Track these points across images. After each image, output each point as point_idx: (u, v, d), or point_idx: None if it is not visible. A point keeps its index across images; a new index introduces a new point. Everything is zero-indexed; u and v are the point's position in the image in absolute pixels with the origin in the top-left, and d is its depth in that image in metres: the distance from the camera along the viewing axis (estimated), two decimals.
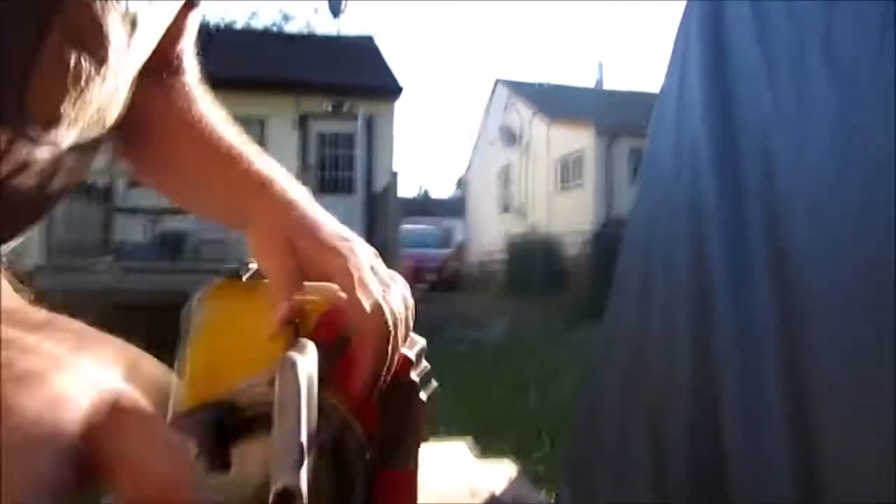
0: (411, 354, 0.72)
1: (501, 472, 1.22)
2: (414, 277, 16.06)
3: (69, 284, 8.70)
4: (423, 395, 0.72)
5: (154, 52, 0.65)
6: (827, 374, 1.55)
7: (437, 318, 11.69)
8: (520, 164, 23.28)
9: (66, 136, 0.54)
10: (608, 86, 27.33)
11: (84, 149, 0.58)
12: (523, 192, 23.06)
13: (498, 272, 21.96)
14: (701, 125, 2.14)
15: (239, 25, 23.39)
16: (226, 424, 0.59)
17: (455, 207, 35.89)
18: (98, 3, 0.50)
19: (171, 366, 0.69)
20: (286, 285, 0.60)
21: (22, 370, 0.30)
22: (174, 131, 0.73)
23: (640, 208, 2.62)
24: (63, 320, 0.40)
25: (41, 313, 0.40)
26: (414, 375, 0.72)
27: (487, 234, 25.11)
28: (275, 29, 24.52)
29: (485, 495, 1.06)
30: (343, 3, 17.74)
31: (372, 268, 0.63)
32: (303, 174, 11.04)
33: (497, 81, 25.96)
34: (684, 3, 2.33)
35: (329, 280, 0.61)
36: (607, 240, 13.55)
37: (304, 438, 0.53)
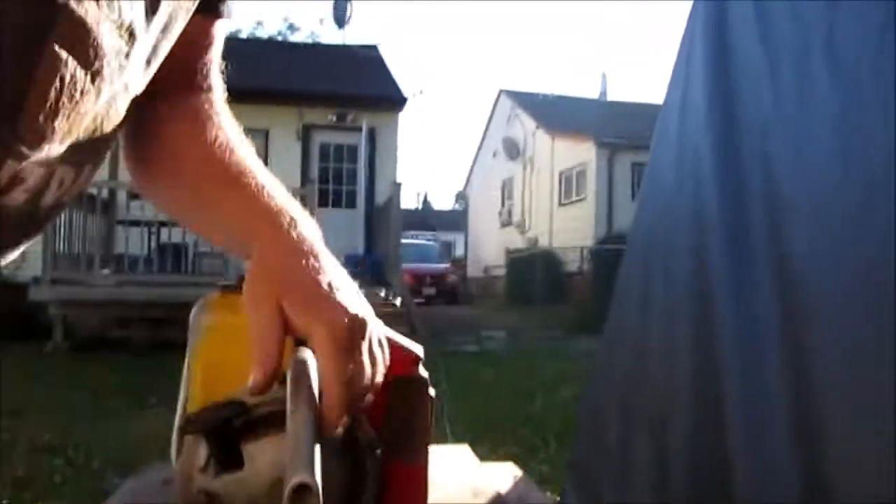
0: (420, 352, 0.73)
1: (505, 474, 1.22)
2: (413, 290, 16.05)
3: (69, 296, 8.71)
4: (431, 392, 0.73)
5: (174, 65, 0.64)
6: (829, 377, 1.55)
7: (439, 328, 11.68)
8: (522, 178, 23.30)
9: (60, 148, 0.53)
10: (612, 97, 27.40)
11: (81, 161, 0.58)
12: (525, 206, 23.08)
13: (498, 285, 21.96)
14: (704, 130, 2.14)
15: (244, 35, 23.50)
16: (235, 423, 0.60)
17: (455, 220, 35.94)
18: (90, 14, 0.50)
19: (172, 371, 0.70)
20: (266, 345, 0.59)
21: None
22: (186, 154, 0.72)
23: (642, 217, 2.63)
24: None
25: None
26: (423, 372, 0.73)
27: (488, 248, 25.12)
28: (279, 38, 24.63)
29: (488, 496, 1.06)
30: (348, 13, 17.82)
31: (359, 327, 0.62)
32: (305, 186, 11.06)
33: (500, 92, 26.03)
34: (689, 8, 2.33)
35: (308, 342, 0.60)
36: (608, 255, 13.56)
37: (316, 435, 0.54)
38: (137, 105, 0.62)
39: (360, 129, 13.51)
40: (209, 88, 0.75)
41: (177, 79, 0.69)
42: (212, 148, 0.71)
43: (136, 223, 9.54)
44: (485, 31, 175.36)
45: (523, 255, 20.48)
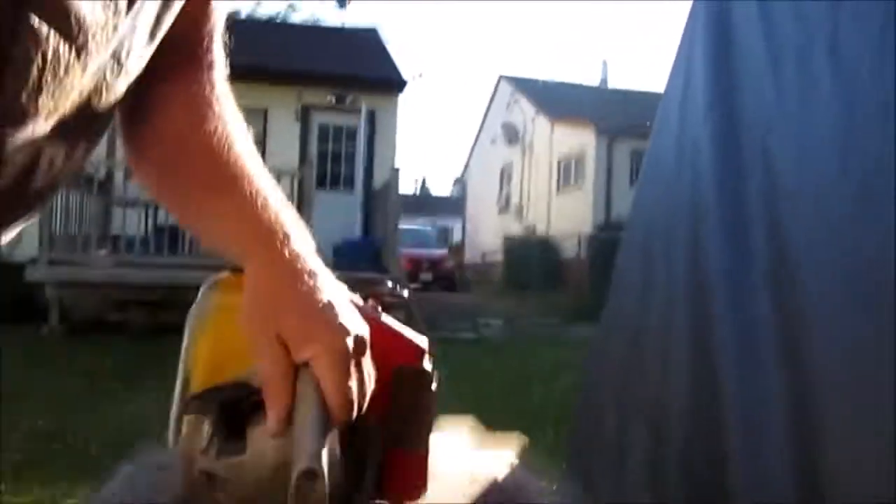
0: (424, 344, 0.73)
1: (503, 459, 1.21)
2: (410, 276, 16.07)
3: (66, 276, 8.70)
4: (433, 385, 0.73)
5: (173, 41, 0.62)
6: (827, 373, 1.55)
7: (436, 315, 11.70)
8: (521, 163, 23.29)
9: (46, 126, 0.51)
10: (612, 85, 27.34)
11: (73, 139, 0.56)
12: (523, 192, 23.08)
13: (495, 271, 22.00)
14: (704, 123, 2.14)
15: (243, 15, 23.41)
16: (240, 406, 0.60)
17: (453, 206, 35.96)
18: None
19: (170, 355, 0.70)
20: (276, 386, 0.59)
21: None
22: (181, 149, 0.70)
23: (640, 205, 2.63)
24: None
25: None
26: (426, 364, 0.73)
27: (485, 234, 25.15)
28: (279, 19, 24.53)
29: (485, 481, 1.05)
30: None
31: (355, 341, 0.62)
32: (303, 167, 11.04)
33: (500, 78, 25.97)
34: (691, 2, 2.33)
35: (309, 365, 0.60)
36: (606, 242, 13.58)
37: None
38: (135, 81, 0.60)
39: (359, 111, 13.46)
40: (210, 65, 0.74)
41: (176, 55, 0.67)
42: (208, 143, 0.69)
43: (133, 203, 9.52)
44: (485, 16, 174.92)
45: (521, 241, 20.50)
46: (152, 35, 0.59)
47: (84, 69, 0.51)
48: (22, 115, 0.49)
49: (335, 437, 0.58)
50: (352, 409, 0.60)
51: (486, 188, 26.11)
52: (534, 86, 24.03)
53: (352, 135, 13.87)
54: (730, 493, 1.71)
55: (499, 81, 26.04)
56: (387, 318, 0.73)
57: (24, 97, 0.48)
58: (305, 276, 0.64)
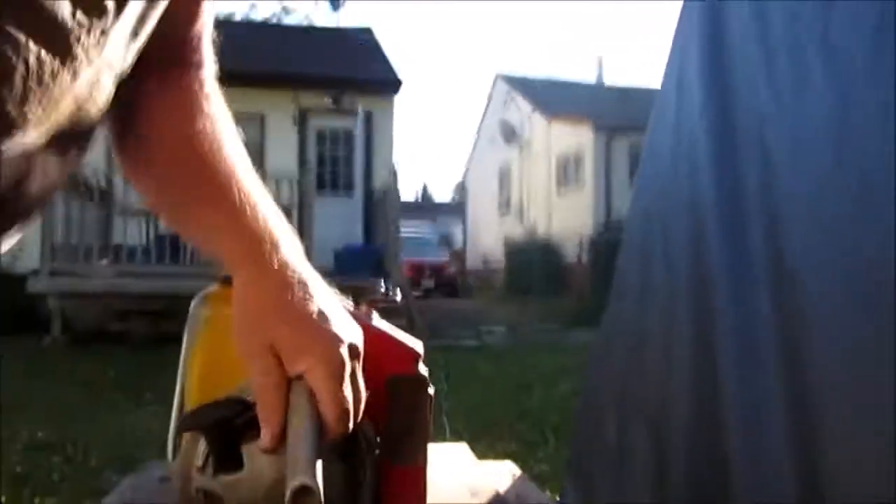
0: (419, 348, 0.72)
1: (503, 472, 1.21)
2: (412, 283, 16.06)
3: (67, 287, 8.70)
4: (430, 390, 0.72)
5: (161, 40, 0.61)
6: (827, 373, 1.55)
7: (438, 322, 11.69)
8: (519, 163, 23.29)
9: (35, 136, 0.50)
10: (608, 82, 27.33)
11: (67, 145, 0.55)
12: (523, 192, 23.07)
13: (497, 277, 21.99)
14: (699, 120, 2.14)
15: (238, 17, 23.47)
16: (235, 422, 0.59)
17: (454, 211, 35.98)
18: None
19: (171, 365, 0.69)
20: (270, 403, 0.58)
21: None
22: (169, 153, 0.69)
23: (638, 205, 2.63)
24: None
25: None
26: (422, 370, 0.72)
27: (487, 238, 25.15)
28: (274, 21, 24.56)
29: (487, 495, 1.04)
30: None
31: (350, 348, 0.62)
32: (302, 171, 11.04)
33: (497, 76, 25.99)
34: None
35: (303, 376, 0.60)
36: (607, 241, 13.57)
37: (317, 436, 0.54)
38: (123, 84, 0.59)
39: (356, 113, 13.46)
40: (199, 64, 0.73)
41: (164, 54, 0.65)
42: (195, 149, 0.68)
43: (134, 213, 9.51)
44: (479, 15, 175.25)
45: (522, 246, 20.50)
46: (135, 33, 0.57)
47: (74, 76, 0.50)
48: (10, 126, 0.48)
49: (330, 451, 0.57)
50: (348, 419, 0.60)
51: (486, 190, 26.13)
52: (530, 84, 24.03)
53: (350, 137, 13.88)
54: (730, 493, 1.71)
55: (495, 80, 26.06)
56: (379, 323, 0.72)
57: (10, 107, 0.47)
58: (295, 286, 0.63)
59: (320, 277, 0.67)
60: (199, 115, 0.70)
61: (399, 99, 14.90)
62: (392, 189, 10.73)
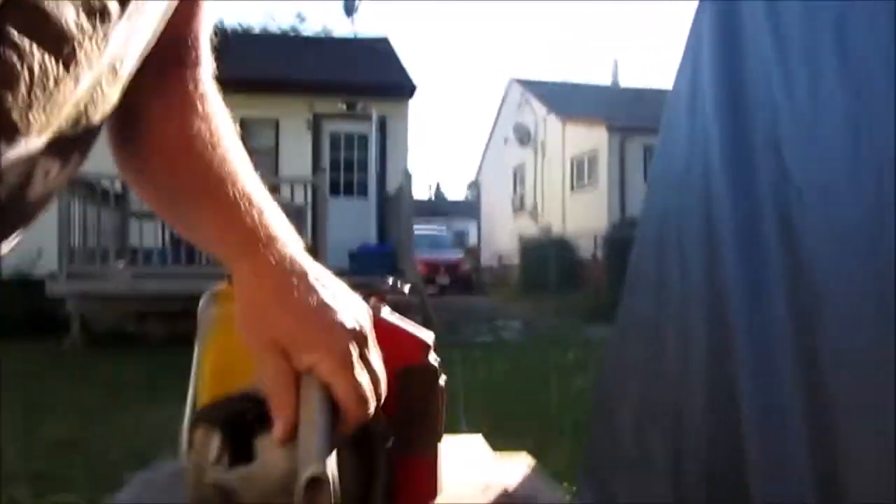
0: (430, 339, 0.72)
1: (517, 467, 1.20)
2: (427, 280, 16.06)
3: (85, 290, 8.76)
4: (441, 381, 0.72)
5: (157, 39, 0.61)
6: (843, 373, 1.54)
7: (453, 319, 11.68)
8: (533, 164, 23.24)
9: (38, 142, 0.50)
10: (624, 84, 27.20)
11: (69, 150, 0.55)
12: (537, 192, 23.02)
13: (511, 274, 21.93)
14: (713, 121, 2.13)
15: (256, 29, 23.65)
16: (248, 416, 0.60)
17: (468, 209, 35.91)
18: None
19: (188, 365, 0.70)
20: (281, 397, 0.59)
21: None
22: (165, 153, 0.69)
23: (652, 204, 2.62)
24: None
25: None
26: (433, 360, 0.72)
27: (501, 236, 25.09)
28: (291, 31, 24.73)
29: (501, 488, 1.04)
30: (356, 2, 17.88)
31: (355, 332, 0.62)
32: (316, 175, 11.06)
33: (511, 80, 25.93)
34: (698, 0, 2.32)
35: (313, 369, 0.60)
36: (622, 241, 13.50)
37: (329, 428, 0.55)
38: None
39: (370, 118, 13.48)
40: (195, 63, 0.72)
41: (160, 53, 0.64)
42: (191, 148, 0.68)
43: (149, 216, 9.55)
44: (495, 19, 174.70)
45: (536, 242, 20.43)
46: (137, 36, 0.57)
47: (76, 81, 0.50)
48: (14, 132, 0.47)
49: (343, 442, 0.58)
50: (367, 403, 0.60)
51: (500, 190, 26.06)
52: (544, 87, 23.99)
53: (364, 142, 13.88)
54: (749, 496, 1.70)
55: (510, 84, 26.01)
56: (387, 314, 0.72)
57: (14, 114, 0.46)
58: (294, 279, 0.63)
59: (321, 268, 0.66)
60: (194, 115, 0.70)
61: (413, 101, 14.85)
62: (406, 191, 10.72)
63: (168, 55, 0.68)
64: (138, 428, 4.88)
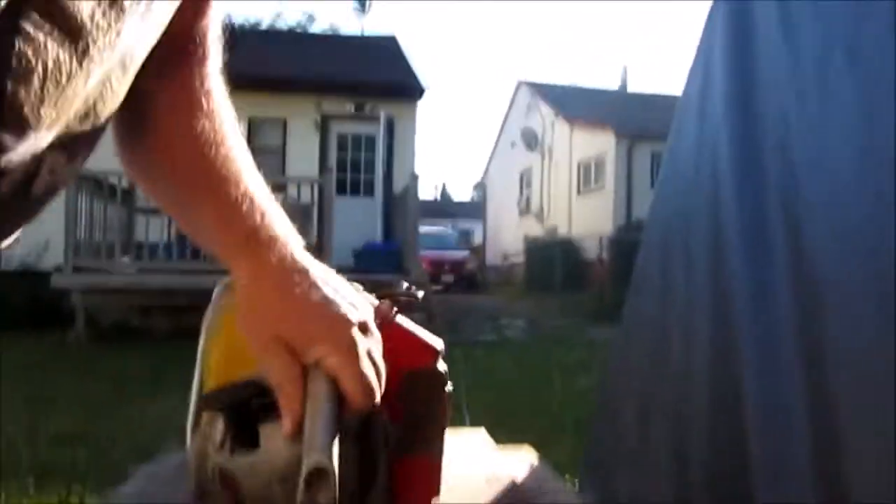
0: (439, 345, 0.72)
1: (521, 460, 1.20)
2: (432, 278, 16.06)
3: (91, 283, 8.79)
4: (448, 387, 0.72)
5: (167, 34, 0.60)
6: (847, 374, 1.53)
7: (457, 317, 11.68)
8: (540, 167, 23.22)
9: (48, 136, 0.50)
10: (632, 89, 27.16)
11: (75, 145, 0.55)
12: (543, 195, 23.00)
13: (516, 273, 21.93)
14: (723, 123, 2.13)
15: (264, 26, 23.68)
16: (252, 404, 0.60)
17: (474, 210, 35.90)
18: None
19: (192, 359, 0.71)
20: (288, 393, 0.59)
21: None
22: (167, 148, 0.69)
23: (659, 207, 2.62)
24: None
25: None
26: (440, 366, 0.72)
27: (506, 236, 25.07)
28: (299, 30, 24.76)
29: (502, 483, 1.04)
30: (368, 1, 17.92)
31: (360, 325, 0.62)
32: (323, 175, 11.08)
33: (519, 83, 25.91)
34: (711, 3, 2.32)
35: (319, 364, 0.61)
36: (627, 243, 13.49)
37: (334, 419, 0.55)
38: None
39: (378, 119, 13.49)
40: (202, 59, 0.71)
41: (167, 49, 0.63)
42: (194, 146, 0.68)
43: (155, 211, 9.57)
44: (504, 22, 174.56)
45: (542, 243, 20.42)
46: (147, 31, 0.56)
47: (88, 77, 0.50)
48: (24, 127, 0.47)
49: (347, 435, 0.58)
50: (373, 394, 0.61)
51: (507, 192, 26.05)
52: (553, 90, 23.97)
53: (371, 142, 13.88)
54: (752, 494, 1.70)
55: (518, 87, 25.99)
56: (401, 319, 0.72)
57: (27, 108, 0.46)
58: (295, 276, 0.64)
59: (323, 266, 0.67)
60: (199, 113, 0.69)
61: (422, 102, 14.84)
62: (412, 192, 10.73)
63: (175, 51, 0.67)
64: (142, 421, 4.90)
